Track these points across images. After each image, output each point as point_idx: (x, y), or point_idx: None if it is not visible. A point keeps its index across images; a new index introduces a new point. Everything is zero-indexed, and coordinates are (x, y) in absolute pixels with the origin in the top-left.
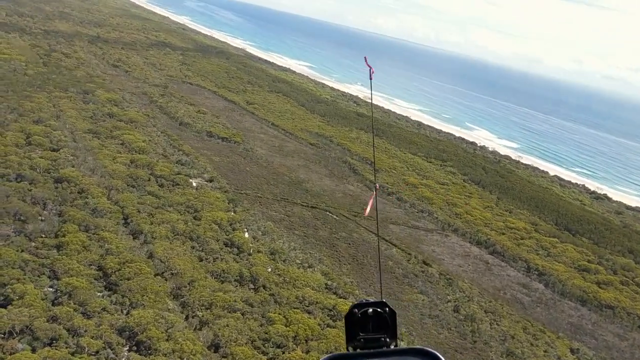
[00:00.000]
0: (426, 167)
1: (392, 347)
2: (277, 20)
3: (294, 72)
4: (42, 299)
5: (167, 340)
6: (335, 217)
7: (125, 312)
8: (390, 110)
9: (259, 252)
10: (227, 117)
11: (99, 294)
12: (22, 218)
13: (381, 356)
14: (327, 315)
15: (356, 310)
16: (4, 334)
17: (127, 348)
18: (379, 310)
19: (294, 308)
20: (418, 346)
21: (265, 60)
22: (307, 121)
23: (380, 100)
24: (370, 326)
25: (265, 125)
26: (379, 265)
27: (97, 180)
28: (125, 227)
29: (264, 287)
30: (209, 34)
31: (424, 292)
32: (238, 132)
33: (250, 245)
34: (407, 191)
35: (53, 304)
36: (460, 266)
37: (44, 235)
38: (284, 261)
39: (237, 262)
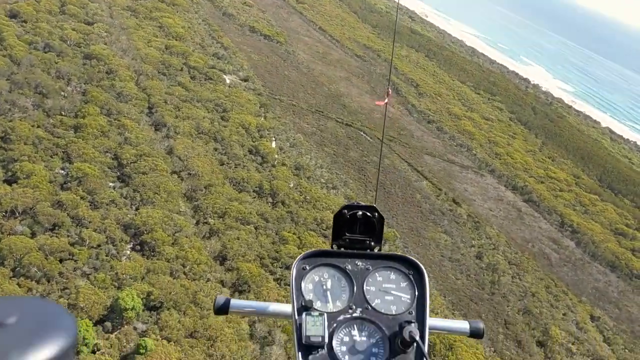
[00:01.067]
0: (473, 99)
1: (376, 250)
2: None
3: None
4: (50, 182)
5: (172, 244)
6: (369, 138)
7: (134, 207)
8: (446, 32)
9: (283, 164)
10: (273, 13)
11: (110, 184)
12: (43, 91)
13: (364, 257)
14: None
15: (346, 211)
16: (6, 212)
17: (130, 246)
18: (368, 214)
19: (310, 230)
20: (401, 254)
21: None
22: (357, 30)
23: (435, 18)
24: (357, 228)
25: (312, 28)
26: (378, 170)
27: (127, 62)
28: (149, 117)
29: (283, 203)
30: None
31: (448, 233)
32: (282, 31)
33: (276, 156)
34: (448, 122)
35: (62, 188)
36: (491, 210)
37: (63, 114)
38: (308, 178)
39: (259, 172)
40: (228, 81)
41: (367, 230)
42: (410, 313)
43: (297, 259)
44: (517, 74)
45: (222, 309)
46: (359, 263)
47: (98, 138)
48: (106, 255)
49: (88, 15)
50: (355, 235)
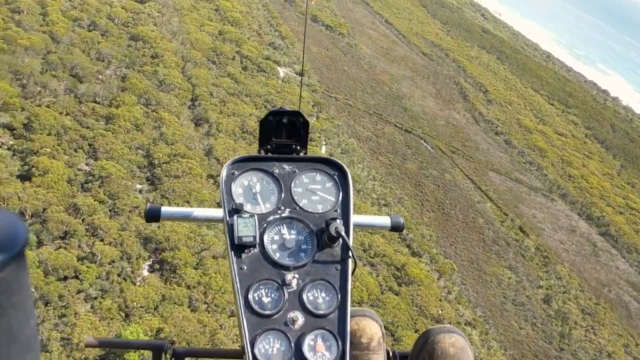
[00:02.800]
0: (546, 110)
1: (302, 154)
2: None
3: None
4: (68, 181)
5: (196, 266)
6: (429, 148)
7: None
8: (520, 33)
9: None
10: (338, 2)
11: (138, 186)
12: (78, 74)
13: (291, 161)
14: (392, 276)
15: (271, 117)
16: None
17: (149, 264)
18: (293, 119)
19: (358, 257)
20: (325, 156)
21: None
22: (425, 26)
23: (510, 17)
24: (283, 133)
25: (377, 21)
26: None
27: (175, 46)
28: (191, 110)
29: None
30: None
31: (512, 268)
32: (346, 22)
33: None
34: (518, 134)
35: (81, 188)
36: (562, 243)
37: (97, 100)
38: (358, 192)
39: None
40: (282, 74)
41: (292, 135)
42: (335, 211)
43: (225, 164)
44: (595, 84)
45: (153, 216)
46: (286, 166)
47: (130, 132)
48: (118, 275)
49: None
50: (282, 140)
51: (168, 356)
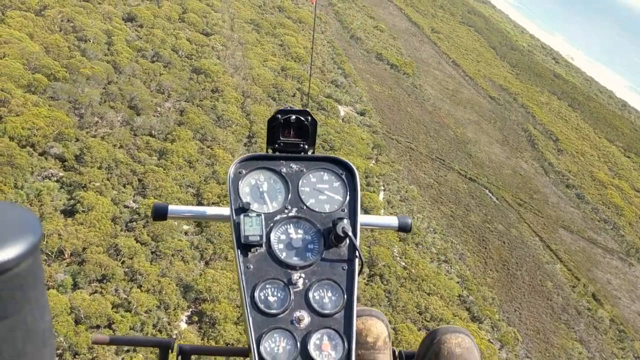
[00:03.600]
0: (622, 163)
1: (309, 153)
2: None
3: (493, 6)
4: (113, 219)
5: (236, 322)
6: (494, 199)
7: (203, 262)
8: (593, 79)
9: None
10: (405, 41)
11: (184, 227)
12: (137, 106)
13: (298, 160)
14: None
15: (279, 115)
16: (51, 253)
17: (187, 314)
18: (301, 118)
19: (411, 320)
20: (333, 155)
21: None
22: (493, 68)
23: (583, 61)
24: (291, 132)
25: (444, 61)
26: (311, 56)
27: (236, 81)
28: (247, 147)
29: (382, 277)
30: None
31: (584, 342)
32: (412, 61)
33: (381, 213)
34: (591, 189)
35: (126, 227)
36: None
37: (153, 134)
38: (417, 245)
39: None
40: (342, 113)
41: (300, 133)
42: (342, 210)
43: (233, 163)
44: None
45: (161, 215)
46: (294, 165)
47: (182, 168)
48: (154, 327)
49: (208, 25)
50: (290, 138)
51: (174, 354)
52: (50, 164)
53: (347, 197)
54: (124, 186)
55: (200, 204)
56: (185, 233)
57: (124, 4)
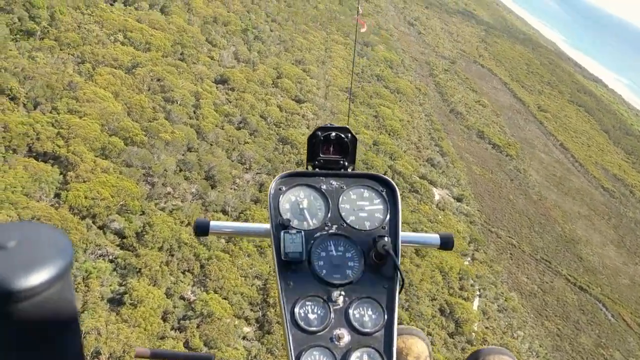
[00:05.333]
0: None
1: (349, 170)
2: (617, 26)
3: (605, 85)
4: (163, 316)
5: None
6: (610, 317)
7: None
8: None
9: (484, 341)
10: (508, 118)
11: (245, 328)
12: (213, 177)
13: (339, 177)
14: None
15: (319, 132)
16: (90, 352)
17: None
18: (341, 135)
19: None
20: (374, 172)
21: (575, 62)
22: (606, 154)
23: None
24: (331, 149)
25: (551, 143)
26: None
27: None
28: None
29: None
30: (522, 16)
31: None
32: (515, 142)
33: (475, 326)
34: None
35: (177, 325)
36: None
37: (225, 210)
38: None
39: (447, 348)
40: (437, 197)
41: (340, 150)
42: (383, 228)
43: (273, 180)
44: None
45: (203, 230)
46: (334, 182)
47: (252, 256)
48: None
49: (301, 91)
50: (330, 155)
51: None
52: (108, 240)
53: (388, 215)
54: (183, 273)
55: (265, 301)
56: (244, 337)
57: (218, 65)
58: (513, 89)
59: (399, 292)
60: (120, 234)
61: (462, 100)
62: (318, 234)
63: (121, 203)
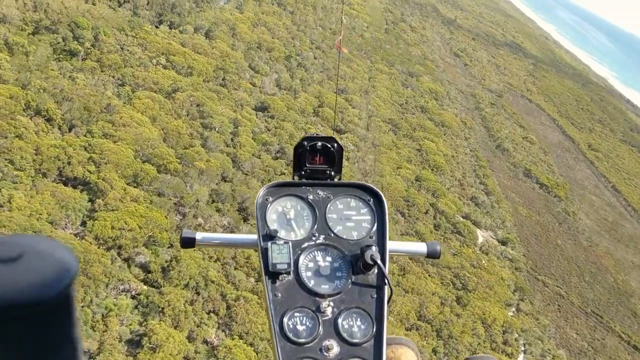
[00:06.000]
0: None
1: (336, 180)
2: None
3: None
4: None
5: None
6: None
7: None
8: None
9: None
10: (557, 157)
11: None
12: (246, 209)
13: (325, 186)
14: None
15: (306, 142)
16: None
17: None
18: (327, 145)
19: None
20: (360, 182)
21: (628, 99)
22: None
23: None
24: (318, 159)
25: (602, 185)
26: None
27: None
28: None
29: None
30: (571, 50)
31: None
32: (564, 182)
33: None
34: None
35: None
36: None
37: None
38: None
39: None
40: (480, 240)
41: (327, 160)
42: (370, 237)
43: (260, 190)
44: None
45: (188, 242)
46: (320, 192)
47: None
48: None
49: (342, 121)
50: (316, 165)
51: None
52: (132, 274)
53: (375, 224)
54: (208, 314)
55: None
56: None
57: (260, 92)
58: (562, 125)
59: (388, 302)
60: (145, 268)
61: (508, 135)
62: (305, 244)
63: (149, 235)
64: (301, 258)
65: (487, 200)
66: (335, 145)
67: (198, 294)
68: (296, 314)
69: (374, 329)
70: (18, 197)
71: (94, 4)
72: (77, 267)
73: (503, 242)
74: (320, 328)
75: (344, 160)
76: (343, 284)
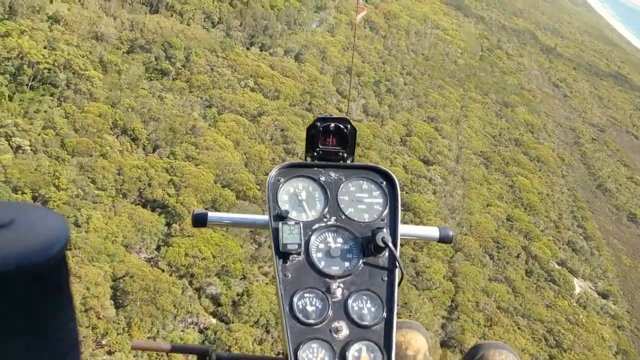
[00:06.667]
0: None
1: (348, 161)
2: None
3: None
4: None
5: None
6: None
7: None
8: None
9: None
10: None
11: None
12: None
13: (338, 168)
14: None
15: (319, 123)
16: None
17: None
18: (340, 126)
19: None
20: (373, 164)
21: None
22: None
23: None
24: (330, 140)
25: None
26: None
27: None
28: (443, 329)
29: None
30: None
31: None
32: None
33: None
34: None
35: None
36: None
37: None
38: None
39: None
40: (578, 290)
41: (340, 142)
42: (382, 220)
43: (271, 171)
44: None
45: (200, 221)
46: (333, 174)
47: None
48: None
49: (430, 152)
50: (328, 147)
51: None
52: (202, 306)
53: (387, 207)
54: (277, 355)
55: None
56: None
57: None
58: None
59: (399, 285)
60: (215, 300)
61: (611, 175)
62: (316, 225)
63: (222, 264)
64: (312, 239)
65: (586, 246)
66: (349, 126)
67: (268, 332)
68: (306, 295)
69: (384, 312)
70: (96, 218)
71: (188, 24)
72: (68, 233)
73: (604, 295)
74: (330, 309)
75: (356, 142)
76: (353, 266)
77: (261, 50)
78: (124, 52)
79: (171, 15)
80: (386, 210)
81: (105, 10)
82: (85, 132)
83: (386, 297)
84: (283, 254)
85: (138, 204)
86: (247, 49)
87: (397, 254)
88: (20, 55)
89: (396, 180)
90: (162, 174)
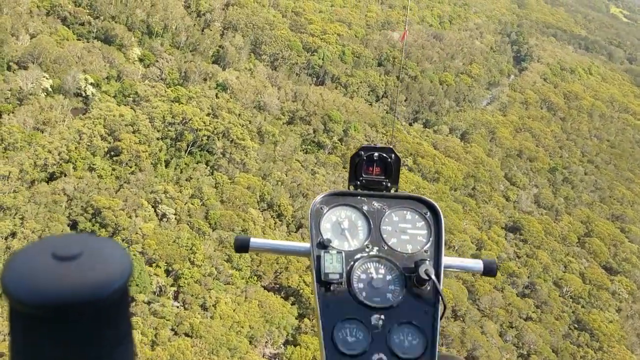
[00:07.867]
0: None
1: (392, 191)
2: None
3: None
4: None
5: None
6: None
7: None
8: None
9: None
10: None
11: None
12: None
13: (381, 198)
14: None
15: (362, 152)
16: None
17: None
18: (384, 155)
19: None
20: (417, 195)
21: None
22: None
23: None
24: (374, 169)
25: None
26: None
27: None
28: None
29: None
30: None
31: None
32: None
33: None
34: None
35: None
36: None
37: None
38: None
39: None
40: None
41: (383, 171)
42: (425, 252)
43: (314, 199)
44: None
45: (243, 247)
46: (376, 203)
47: None
48: None
49: (615, 258)
50: (372, 176)
51: None
52: None
53: (431, 238)
54: None
55: None
56: None
57: (513, 208)
58: None
59: (441, 318)
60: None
61: None
62: (359, 255)
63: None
64: (354, 269)
65: None
66: (393, 156)
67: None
68: (347, 325)
69: (426, 345)
70: (224, 302)
71: (351, 98)
72: (132, 268)
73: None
74: (371, 341)
75: (400, 171)
76: (396, 298)
77: (425, 127)
78: (283, 123)
79: (335, 88)
80: (430, 242)
81: (272, 80)
82: (231, 205)
83: (428, 331)
84: (324, 283)
85: (271, 290)
86: (410, 124)
87: (441, 287)
88: (184, 121)
89: (440, 212)
90: (300, 257)
